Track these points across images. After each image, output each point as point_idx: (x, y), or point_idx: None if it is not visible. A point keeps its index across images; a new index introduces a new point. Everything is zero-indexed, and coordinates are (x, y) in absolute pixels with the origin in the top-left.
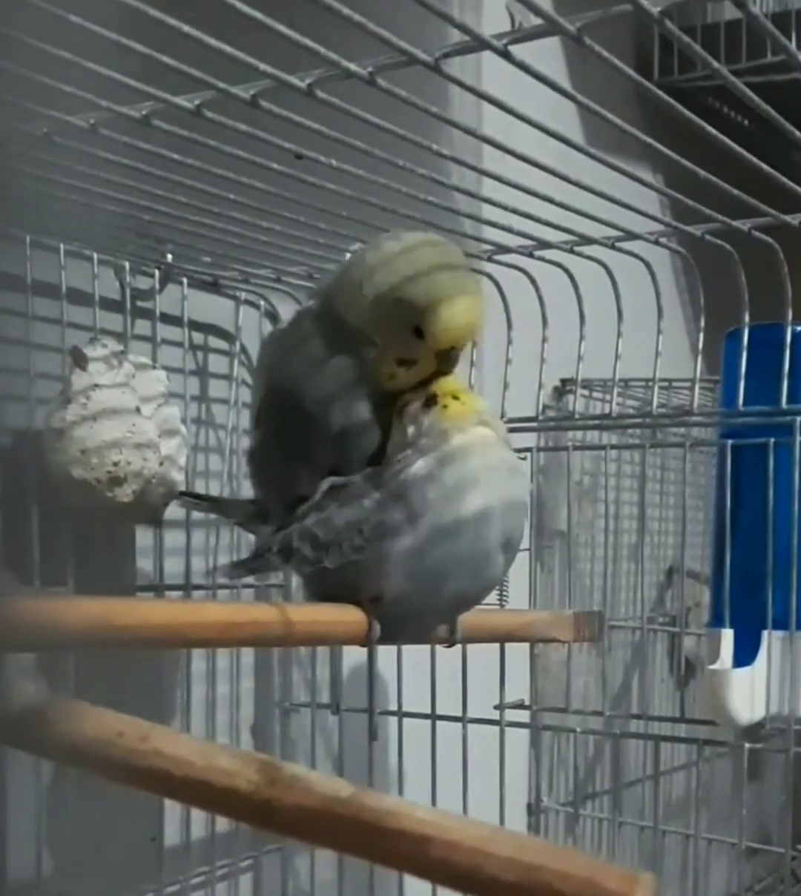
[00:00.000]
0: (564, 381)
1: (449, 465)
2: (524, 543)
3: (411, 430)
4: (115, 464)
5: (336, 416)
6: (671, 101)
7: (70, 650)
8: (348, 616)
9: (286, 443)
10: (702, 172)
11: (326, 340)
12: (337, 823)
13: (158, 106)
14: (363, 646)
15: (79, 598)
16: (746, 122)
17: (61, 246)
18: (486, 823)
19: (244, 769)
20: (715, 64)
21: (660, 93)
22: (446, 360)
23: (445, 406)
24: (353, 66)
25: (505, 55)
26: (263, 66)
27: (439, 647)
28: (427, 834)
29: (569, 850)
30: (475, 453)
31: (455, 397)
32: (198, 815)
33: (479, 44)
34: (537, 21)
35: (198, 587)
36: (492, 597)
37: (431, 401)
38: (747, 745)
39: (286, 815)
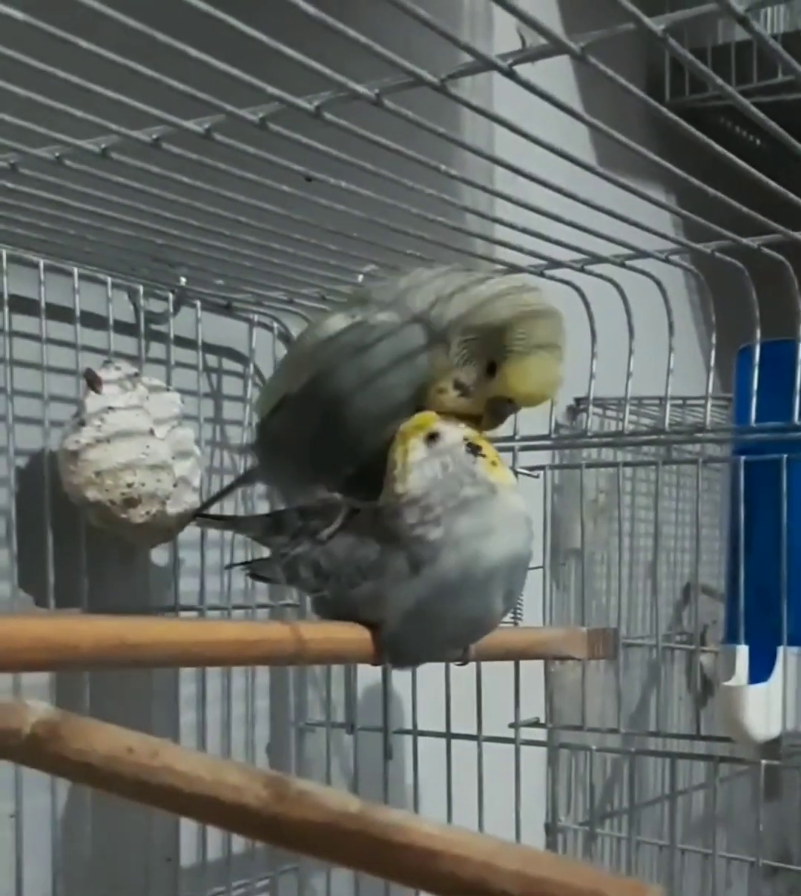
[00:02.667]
0: (577, 400)
1: (478, 516)
2: (539, 561)
3: (447, 463)
4: (130, 485)
5: (373, 421)
6: (681, 121)
7: (84, 669)
8: (359, 635)
9: (310, 437)
10: (711, 191)
11: (406, 344)
12: (345, 838)
13: (168, 130)
14: (375, 665)
15: (92, 616)
16: (757, 141)
17: (75, 270)
18: (493, 837)
19: (252, 785)
20: (720, 81)
21: (669, 113)
22: (497, 412)
23: (493, 463)
24: (359, 88)
25: (510, 75)
26: (270, 89)
27: (453, 666)
28: (434, 848)
29: (576, 863)
30: (497, 510)
31: (496, 459)
32: (214, 835)
33: (484, 64)
34: (543, 41)
35: (213, 608)
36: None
37: (474, 449)
38: (763, 762)
39: (294, 830)
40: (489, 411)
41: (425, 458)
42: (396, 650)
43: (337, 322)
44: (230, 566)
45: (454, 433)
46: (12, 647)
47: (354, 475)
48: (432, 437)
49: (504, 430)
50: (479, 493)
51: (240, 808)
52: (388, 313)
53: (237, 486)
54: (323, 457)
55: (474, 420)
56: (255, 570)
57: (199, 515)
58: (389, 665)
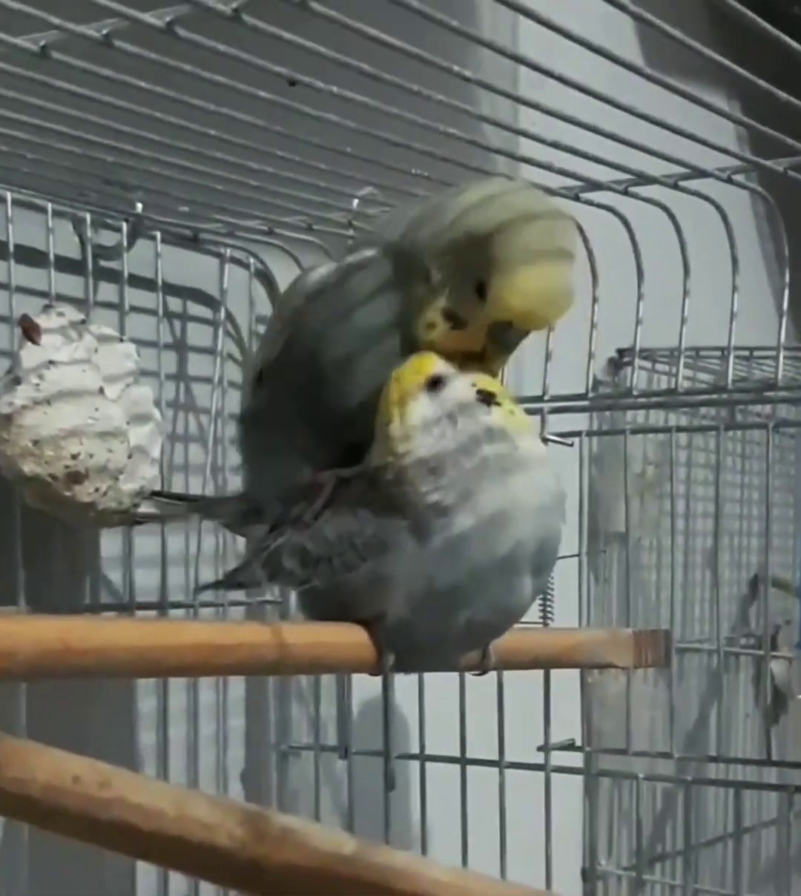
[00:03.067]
0: (620, 352)
1: (500, 477)
2: (573, 548)
3: (457, 419)
4: (75, 456)
5: (361, 375)
6: (747, 10)
7: (20, 680)
8: (356, 638)
9: (295, 410)
10: (784, 95)
11: (376, 280)
12: (338, 886)
13: (122, 24)
14: (375, 674)
15: (31, 617)
16: None
17: (8, 194)
18: (517, 884)
19: (226, 821)
20: None
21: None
22: (499, 340)
23: (511, 412)
24: None
25: None
26: None
27: (468, 676)
28: None
29: None
30: (520, 467)
31: (513, 408)
32: (177, 881)
33: None
34: None
35: (176, 605)
36: (534, 613)
37: (486, 397)
38: None
39: (276, 877)
40: (490, 341)
41: (430, 412)
42: (401, 647)
43: (318, 273)
44: (201, 588)
45: (461, 379)
46: None
47: (345, 447)
48: (435, 384)
49: (531, 388)
50: (499, 452)
51: (210, 850)
52: (364, 251)
53: (205, 503)
54: (308, 431)
55: (477, 358)
56: (235, 583)
57: (156, 495)
58: (393, 670)
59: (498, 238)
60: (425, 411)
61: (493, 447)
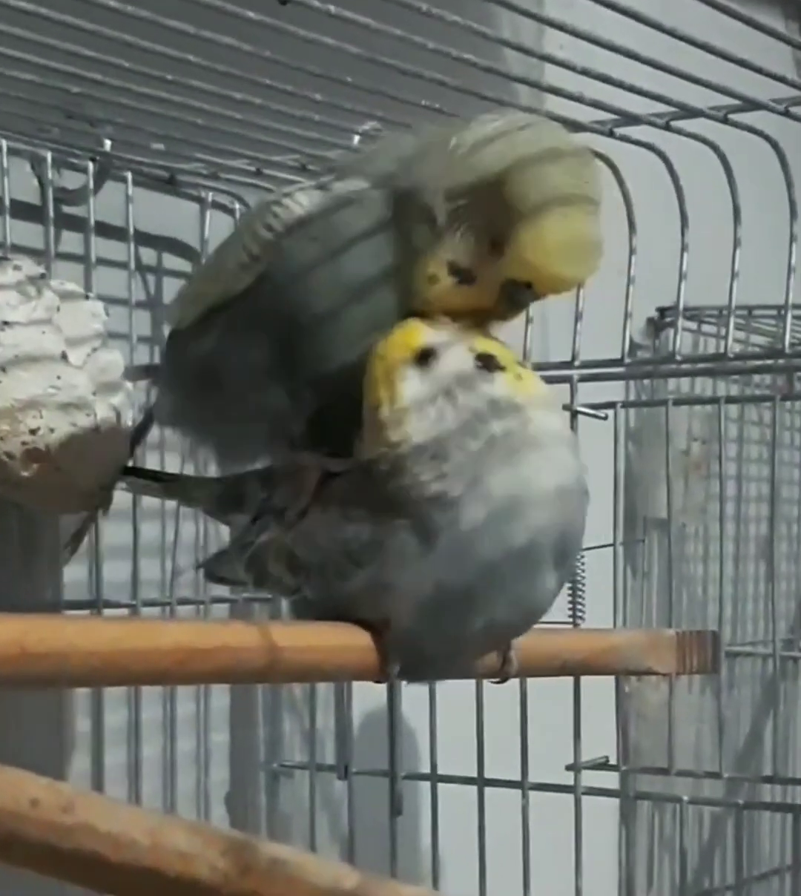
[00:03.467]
0: (662, 312)
1: (501, 468)
2: (608, 537)
3: (454, 394)
4: (34, 431)
5: (346, 332)
6: None
7: None
8: (357, 640)
9: (262, 364)
10: None
11: (369, 219)
12: None
13: None
14: (379, 682)
15: None
16: None
17: None
18: None
19: (207, 851)
20: None
21: None
22: (512, 299)
23: (518, 376)
24: None
25: None
26: None
27: (487, 685)
28: None
29: None
30: (534, 439)
31: (519, 366)
32: None
33: None
34: None
35: (150, 604)
36: (562, 612)
37: (487, 363)
38: None
39: None
40: (503, 300)
41: (423, 390)
42: (410, 656)
43: (297, 201)
44: (178, 573)
45: (455, 346)
46: None
47: (316, 417)
48: (425, 358)
49: (559, 353)
50: (508, 427)
51: (189, 885)
52: (352, 180)
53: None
54: (275, 391)
55: (481, 314)
56: (211, 568)
57: (128, 472)
58: (401, 677)
59: (517, 181)
60: (417, 390)
61: (501, 423)
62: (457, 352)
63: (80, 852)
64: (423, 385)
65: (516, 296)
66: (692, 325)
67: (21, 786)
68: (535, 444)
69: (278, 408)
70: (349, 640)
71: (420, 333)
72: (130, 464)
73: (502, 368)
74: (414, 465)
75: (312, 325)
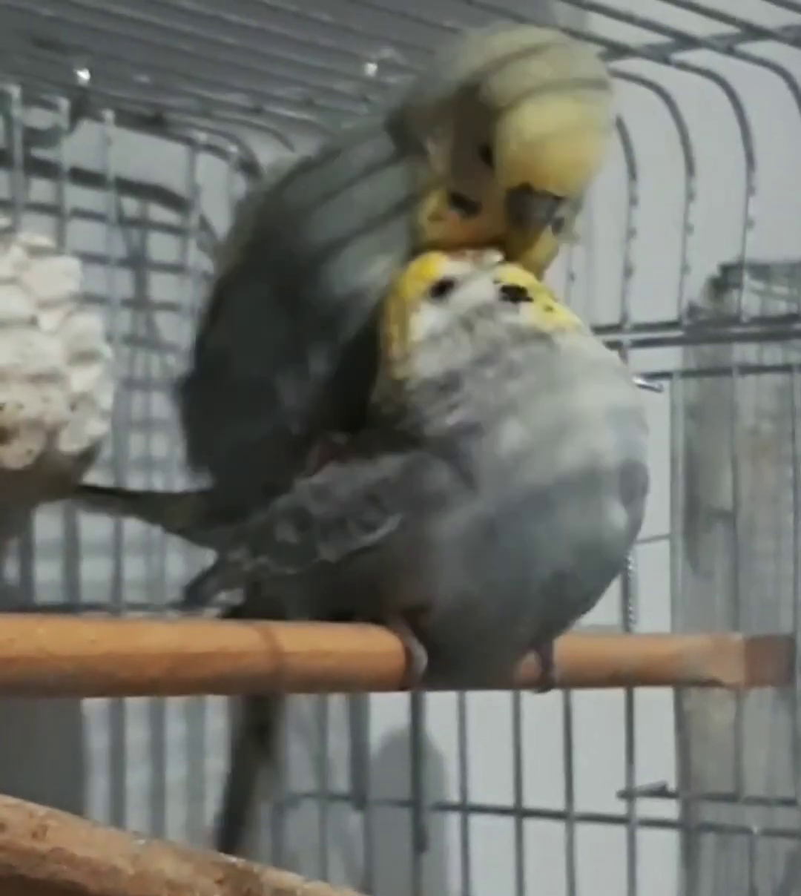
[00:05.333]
0: (725, 270)
1: (547, 390)
2: (665, 528)
3: (472, 323)
4: (0, 407)
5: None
6: None
7: None
8: (374, 642)
9: (268, 323)
10: None
11: (375, 155)
12: None
13: None
14: (402, 689)
15: None
16: None
17: None
18: None
19: (200, 879)
20: None
21: None
22: (518, 211)
23: (549, 308)
24: None
25: None
26: None
27: (526, 698)
28: None
29: None
30: (570, 359)
31: (552, 303)
32: None
33: None
34: None
35: (135, 607)
36: (613, 613)
37: (513, 294)
38: None
39: None
40: (509, 216)
41: (438, 322)
42: (455, 642)
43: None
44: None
45: (478, 278)
46: None
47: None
48: (443, 289)
49: (608, 315)
50: (532, 352)
51: None
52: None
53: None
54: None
55: (503, 246)
56: (199, 587)
57: (83, 491)
58: (430, 685)
59: (494, 79)
60: (431, 322)
61: (522, 349)
62: (479, 283)
63: (55, 882)
64: (438, 317)
65: (520, 209)
66: (760, 286)
67: None
68: (571, 367)
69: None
70: (364, 644)
71: (439, 265)
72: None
73: (529, 300)
74: (419, 400)
75: (318, 266)
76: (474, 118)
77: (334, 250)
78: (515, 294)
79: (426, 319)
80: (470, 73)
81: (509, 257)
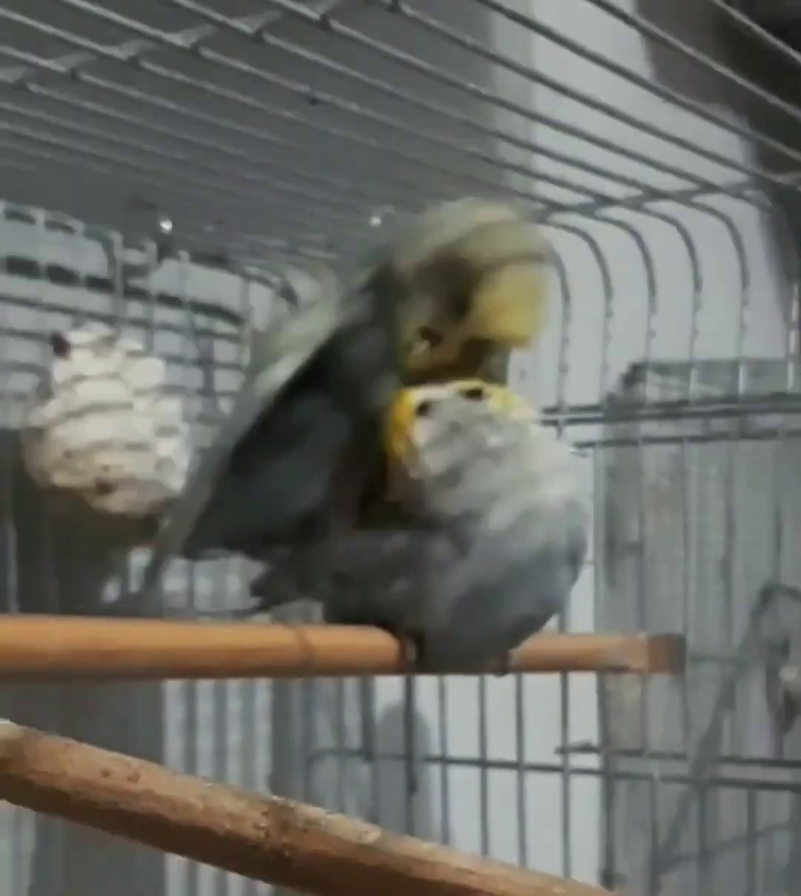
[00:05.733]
0: (633, 368)
1: (510, 473)
2: (590, 555)
3: (457, 422)
4: (105, 468)
5: (374, 396)
6: (756, 27)
7: (52, 681)
8: (379, 640)
9: (318, 426)
10: (791, 109)
11: (371, 302)
12: (361, 874)
13: (149, 45)
14: (399, 674)
15: (62, 619)
16: None
17: (40, 215)
18: (540, 873)
19: (251, 812)
20: None
21: (741, 16)
22: (475, 356)
23: (504, 400)
24: None
25: None
26: None
27: (489, 679)
28: (468, 885)
29: None
30: (536, 453)
31: (505, 395)
32: (205, 878)
33: None
34: None
35: (204, 613)
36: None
37: (477, 394)
38: None
39: (301, 866)
40: (466, 356)
41: (432, 430)
42: (438, 655)
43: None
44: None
45: (445, 393)
46: None
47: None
48: (424, 409)
49: (548, 400)
50: (506, 439)
51: (236, 841)
52: (362, 274)
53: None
54: (324, 445)
55: (451, 372)
56: (258, 586)
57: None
58: (420, 670)
59: (477, 254)
60: (428, 432)
61: (500, 436)
62: (448, 396)
63: (144, 815)
64: (431, 427)
65: (477, 352)
66: (660, 379)
67: (94, 759)
68: (536, 453)
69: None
70: (371, 642)
71: (414, 394)
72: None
73: (488, 395)
74: (437, 491)
75: (350, 393)
76: (451, 277)
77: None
78: (476, 394)
79: (423, 431)
80: (449, 242)
81: (458, 376)
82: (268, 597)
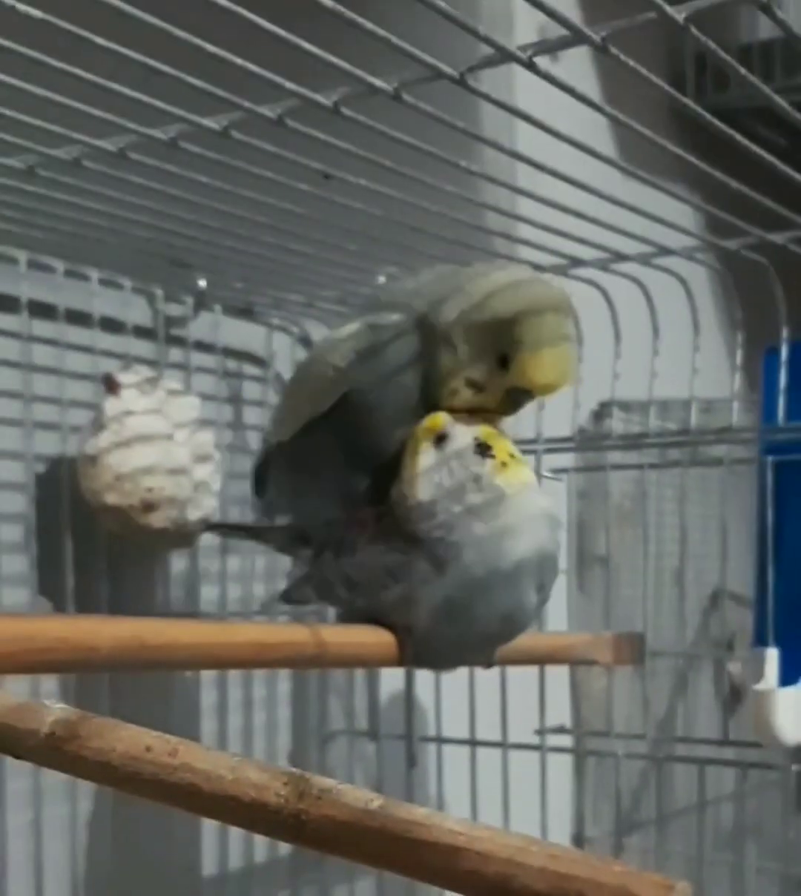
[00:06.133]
0: (602, 405)
1: (491, 518)
2: (563, 565)
3: (454, 469)
4: (149, 489)
5: (394, 428)
6: (706, 114)
7: (102, 671)
8: (381, 638)
9: (339, 451)
10: (735, 184)
11: (409, 351)
12: (366, 835)
13: (186, 128)
14: (398, 665)
15: (110, 618)
16: (782, 142)
17: (94, 274)
18: (518, 834)
19: (273, 783)
20: (743, 71)
21: (694, 106)
22: (515, 402)
23: (504, 464)
24: (378, 82)
25: (530, 67)
26: (288, 85)
27: (477, 671)
28: (457, 845)
29: (602, 859)
30: (522, 505)
31: (511, 456)
32: (235, 845)
33: (503, 56)
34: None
35: (234, 614)
36: None
37: (485, 450)
38: (794, 767)
39: (315, 829)
40: (506, 402)
41: (433, 464)
42: (426, 653)
43: (351, 331)
44: (279, 598)
45: (464, 434)
46: (32, 647)
47: (371, 480)
48: (441, 440)
49: (527, 431)
50: (486, 499)
51: (260, 807)
52: (397, 315)
53: (258, 530)
54: (348, 469)
55: (489, 412)
56: (287, 595)
57: (215, 527)
58: (416, 666)
59: (522, 321)
60: (429, 461)
61: (480, 495)
62: (464, 436)
63: (181, 785)
64: (433, 458)
65: (516, 398)
66: (624, 416)
67: (138, 737)
68: (512, 514)
69: (347, 483)
70: (375, 638)
71: (443, 422)
72: (219, 519)
73: (493, 456)
74: (418, 516)
75: (371, 428)
76: (499, 338)
77: (385, 422)
78: (484, 450)
79: (426, 459)
80: (503, 311)
81: (489, 418)
82: (294, 601)
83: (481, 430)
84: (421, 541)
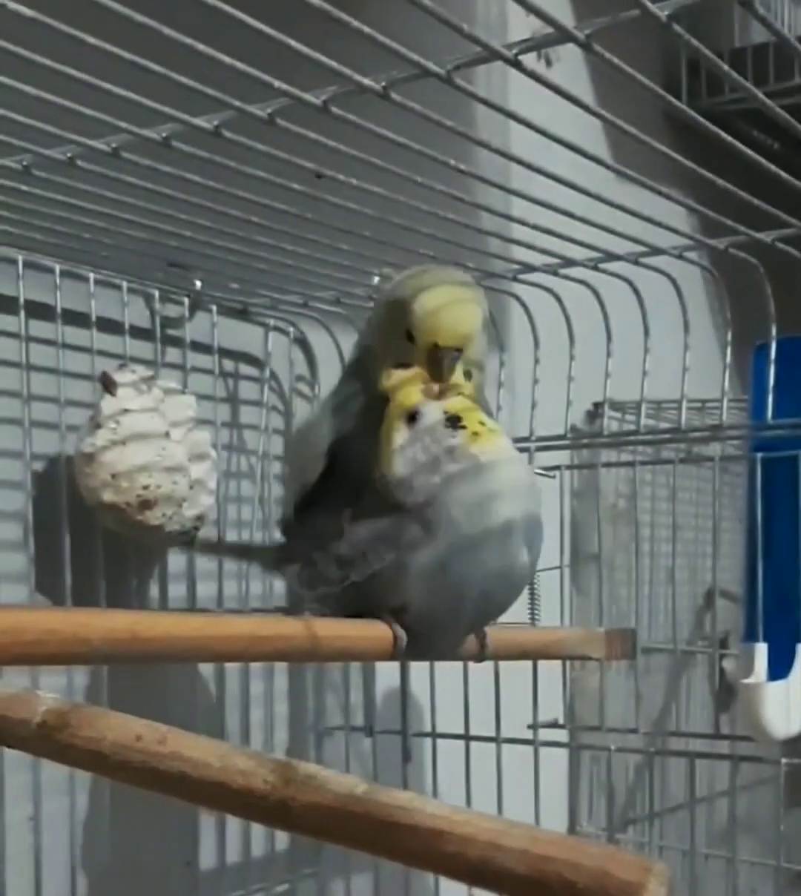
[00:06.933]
0: (596, 405)
1: (472, 482)
2: (557, 562)
3: (427, 444)
4: (145, 487)
5: (362, 457)
6: (698, 116)
7: (96, 663)
8: (375, 630)
9: (337, 496)
10: (723, 183)
11: (353, 377)
12: (351, 820)
13: (178, 127)
14: (392, 659)
15: (105, 611)
16: (774, 145)
17: (91, 275)
18: (499, 817)
19: (260, 769)
20: (734, 75)
21: (685, 107)
22: (434, 362)
23: (476, 433)
24: (366, 81)
25: (516, 64)
26: (277, 84)
27: (470, 666)
28: (439, 828)
29: (583, 841)
30: (499, 469)
31: (481, 423)
32: (232, 838)
33: (490, 54)
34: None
35: (230, 611)
36: (524, 615)
37: (455, 422)
38: (783, 760)
39: (301, 814)
40: (429, 367)
41: (407, 441)
42: (421, 634)
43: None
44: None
45: (435, 410)
46: (22, 639)
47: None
48: (413, 418)
49: (520, 429)
50: (463, 468)
51: (248, 793)
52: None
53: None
54: (344, 503)
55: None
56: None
57: (199, 544)
58: (410, 656)
59: (418, 296)
60: (403, 439)
61: (455, 465)
62: (434, 412)
63: (171, 772)
64: (407, 435)
65: (434, 360)
66: (617, 415)
67: (129, 725)
68: (487, 481)
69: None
70: (368, 631)
71: (413, 399)
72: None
73: (463, 427)
74: (398, 491)
75: (352, 467)
76: (399, 316)
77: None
78: (454, 423)
79: (399, 437)
80: (395, 294)
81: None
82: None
83: (451, 404)
84: (407, 509)
